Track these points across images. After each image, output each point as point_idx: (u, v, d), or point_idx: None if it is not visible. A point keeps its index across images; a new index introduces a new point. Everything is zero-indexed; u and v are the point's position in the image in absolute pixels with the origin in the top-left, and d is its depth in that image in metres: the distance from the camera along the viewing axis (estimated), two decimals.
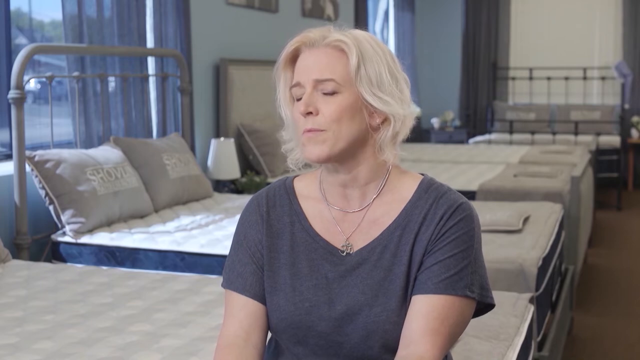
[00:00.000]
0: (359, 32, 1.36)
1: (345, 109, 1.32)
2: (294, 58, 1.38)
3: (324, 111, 1.32)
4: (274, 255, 1.41)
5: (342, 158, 1.34)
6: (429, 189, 1.38)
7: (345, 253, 1.38)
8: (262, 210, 1.43)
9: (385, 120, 1.34)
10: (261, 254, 1.41)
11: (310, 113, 1.32)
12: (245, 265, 1.41)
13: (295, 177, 1.48)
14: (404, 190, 1.39)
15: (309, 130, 1.32)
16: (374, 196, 1.39)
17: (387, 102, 1.32)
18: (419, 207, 1.36)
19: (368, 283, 1.35)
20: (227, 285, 1.43)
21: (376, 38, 1.37)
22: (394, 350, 1.32)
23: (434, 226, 1.34)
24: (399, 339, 1.32)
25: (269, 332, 1.44)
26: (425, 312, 1.30)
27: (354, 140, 1.33)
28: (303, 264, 1.39)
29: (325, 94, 1.32)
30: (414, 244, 1.34)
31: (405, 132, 1.36)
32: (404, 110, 1.34)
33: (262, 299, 1.40)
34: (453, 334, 1.32)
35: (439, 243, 1.33)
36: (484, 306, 1.40)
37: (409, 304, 1.33)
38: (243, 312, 1.39)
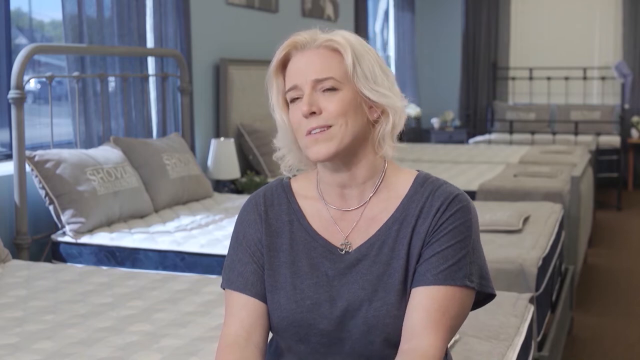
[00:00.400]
0: (346, 33, 1.39)
1: (348, 103, 1.34)
2: (283, 64, 1.40)
3: (328, 108, 1.33)
4: (274, 254, 1.41)
5: (346, 155, 1.35)
6: (424, 183, 1.39)
7: (344, 251, 1.39)
8: (260, 210, 1.44)
9: (383, 113, 1.36)
10: (261, 253, 1.42)
11: (314, 113, 1.33)
12: (245, 265, 1.41)
13: (291, 177, 1.49)
14: (400, 186, 1.40)
15: (315, 129, 1.33)
16: (371, 194, 1.40)
17: (386, 95, 1.35)
18: (416, 201, 1.37)
19: (367, 278, 1.36)
20: (227, 285, 1.43)
21: (360, 37, 1.39)
22: (395, 344, 1.33)
23: (430, 218, 1.35)
24: (400, 333, 1.32)
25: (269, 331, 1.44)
26: (426, 304, 1.30)
27: (358, 135, 1.35)
28: (303, 262, 1.39)
29: (325, 92, 1.34)
30: (411, 237, 1.35)
31: (401, 124, 1.39)
32: (401, 103, 1.37)
33: (263, 298, 1.40)
34: (454, 325, 1.33)
35: (437, 235, 1.34)
36: (484, 297, 1.41)
37: (408, 298, 1.33)
38: (244, 311, 1.39)
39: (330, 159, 1.34)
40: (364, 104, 1.35)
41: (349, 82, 1.34)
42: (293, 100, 1.37)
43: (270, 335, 1.46)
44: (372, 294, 1.34)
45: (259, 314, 1.39)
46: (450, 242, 1.33)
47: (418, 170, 1.44)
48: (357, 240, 1.39)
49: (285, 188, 1.46)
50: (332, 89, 1.34)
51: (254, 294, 1.40)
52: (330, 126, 1.33)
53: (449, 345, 1.46)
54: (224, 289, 1.44)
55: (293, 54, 1.38)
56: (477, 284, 1.35)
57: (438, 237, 1.33)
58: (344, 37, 1.36)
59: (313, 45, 1.36)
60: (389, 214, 1.38)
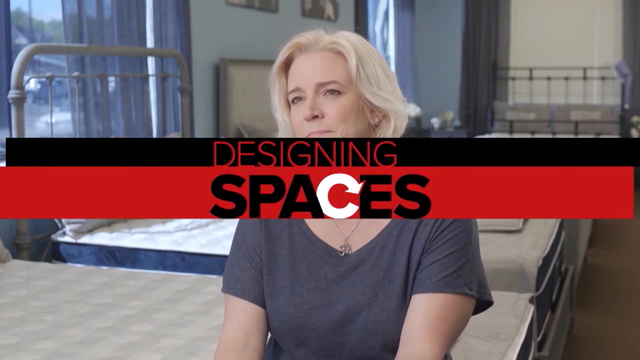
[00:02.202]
0: (349, 34, 1.38)
1: (349, 109, 1.33)
2: (286, 64, 1.39)
3: (329, 113, 1.33)
4: (273, 259, 1.41)
5: None
6: None
7: (343, 254, 1.38)
8: None
9: (384, 117, 1.36)
10: (260, 258, 1.41)
11: (316, 117, 1.33)
12: (244, 270, 1.41)
13: None
14: None
15: (316, 133, 1.32)
16: None
17: (388, 100, 1.35)
18: None
19: (367, 283, 1.35)
20: (226, 289, 1.43)
21: (363, 39, 1.38)
22: (394, 349, 1.32)
23: (431, 225, 1.34)
24: (399, 339, 1.32)
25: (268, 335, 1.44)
26: (424, 310, 1.30)
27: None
28: (302, 266, 1.39)
29: (327, 94, 1.33)
30: (412, 243, 1.35)
31: (402, 128, 1.38)
32: (403, 107, 1.37)
33: (261, 303, 1.40)
34: (453, 332, 1.33)
35: (437, 242, 1.33)
36: (482, 304, 1.41)
37: (408, 303, 1.33)
38: (242, 315, 1.39)
39: None
40: (366, 108, 1.35)
41: (352, 86, 1.33)
42: (295, 101, 1.37)
43: (269, 335, 1.46)
44: (372, 299, 1.34)
45: (258, 318, 1.39)
46: (450, 249, 1.33)
47: None
48: (357, 242, 1.39)
49: None
50: (335, 92, 1.33)
51: (252, 299, 1.39)
52: (331, 131, 1.33)
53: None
54: (224, 293, 1.44)
55: (296, 55, 1.37)
56: (476, 291, 1.35)
57: (438, 245, 1.33)
58: (348, 39, 1.35)
59: (317, 48, 1.35)
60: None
